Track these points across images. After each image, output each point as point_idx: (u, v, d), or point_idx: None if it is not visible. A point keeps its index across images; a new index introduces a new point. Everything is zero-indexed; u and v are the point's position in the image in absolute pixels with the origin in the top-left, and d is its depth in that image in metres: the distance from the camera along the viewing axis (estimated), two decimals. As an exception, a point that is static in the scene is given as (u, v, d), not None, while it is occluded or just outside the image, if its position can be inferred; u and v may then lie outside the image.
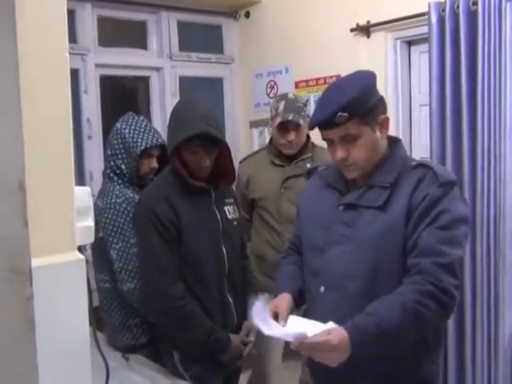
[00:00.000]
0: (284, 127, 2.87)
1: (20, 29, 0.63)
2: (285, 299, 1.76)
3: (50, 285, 0.96)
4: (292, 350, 1.57)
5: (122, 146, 2.38)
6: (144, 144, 2.38)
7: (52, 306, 0.98)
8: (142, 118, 2.49)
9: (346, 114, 1.60)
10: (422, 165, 1.68)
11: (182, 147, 2.13)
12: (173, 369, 2.20)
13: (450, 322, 3.00)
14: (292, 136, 2.87)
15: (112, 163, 2.41)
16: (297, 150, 2.93)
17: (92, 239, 1.17)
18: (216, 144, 2.16)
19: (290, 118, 2.82)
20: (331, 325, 1.56)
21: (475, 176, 2.88)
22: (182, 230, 2.14)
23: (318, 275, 1.75)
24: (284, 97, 2.99)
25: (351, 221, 1.71)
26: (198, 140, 2.10)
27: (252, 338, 2.25)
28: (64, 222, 1.06)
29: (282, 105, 2.91)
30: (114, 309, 2.41)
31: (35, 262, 0.76)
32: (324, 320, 1.62)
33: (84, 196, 1.14)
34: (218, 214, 2.25)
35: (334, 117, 1.60)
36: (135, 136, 2.38)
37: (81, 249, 1.16)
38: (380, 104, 1.70)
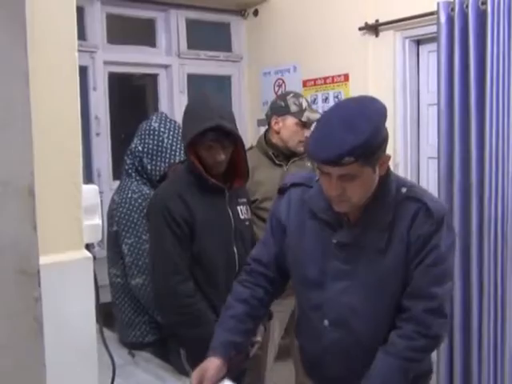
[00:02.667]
0: (307, 124, 2.82)
1: (29, 29, 0.64)
2: (213, 364, 1.69)
3: (57, 282, 0.97)
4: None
5: (156, 147, 2.37)
6: (183, 155, 2.38)
7: (59, 304, 0.99)
8: (178, 123, 2.48)
9: (352, 158, 1.46)
10: (413, 198, 1.64)
11: (197, 143, 2.13)
12: (179, 367, 2.21)
13: (457, 323, 2.99)
14: (308, 132, 2.80)
15: (138, 159, 2.40)
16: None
17: (100, 237, 1.17)
18: (230, 139, 2.16)
19: (320, 114, 2.79)
20: None
21: (483, 176, 2.87)
22: (194, 228, 2.14)
23: (320, 309, 1.72)
24: (299, 94, 2.95)
25: (349, 258, 1.66)
26: (212, 134, 2.09)
27: (259, 339, 2.25)
28: (71, 220, 1.06)
29: (304, 101, 2.86)
30: (125, 304, 2.42)
31: (42, 260, 0.77)
32: (329, 351, 1.70)
33: (92, 194, 1.14)
34: (230, 213, 2.25)
35: (341, 160, 1.47)
36: (174, 144, 2.38)
37: (88, 246, 1.17)
38: (385, 143, 1.60)
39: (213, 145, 2.12)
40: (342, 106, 1.67)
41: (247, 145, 4.31)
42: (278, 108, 2.93)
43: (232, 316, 1.79)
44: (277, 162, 2.90)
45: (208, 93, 2.46)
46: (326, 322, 1.71)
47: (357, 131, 1.47)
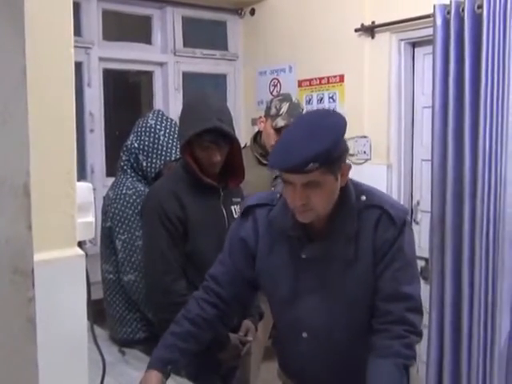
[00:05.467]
0: (280, 131, 2.82)
1: (25, 24, 0.63)
2: (154, 377, 1.72)
3: (49, 280, 0.97)
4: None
5: (152, 145, 2.37)
6: (179, 152, 2.38)
7: (51, 301, 0.98)
8: (174, 121, 2.49)
9: (317, 164, 1.50)
10: (374, 206, 1.68)
11: (193, 142, 2.12)
12: None
13: (447, 324, 3.00)
14: None
15: (134, 156, 2.40)
16: None
17: (92, 235, 1.17)
18: (227, 140, 2.16)
19: (289, 122, 2.80)
20: None
21: (476, 178, 2.88)
22: (188, 227, 2.14)
23: (297, 322, 1.74)
24: (288, 98, 2.95)
25: (318, 271, 1.69)
26: (209, 135, 2.09)
27: (250, 338, 2.25)
28: (65, 217, 1.06)
29: (285, 106, 2.87)
30: (116, 301, 2.42)
31: (35, 257, 0.77)
32: (310, 360, 1.74)
33: (85, 192, 1.14)
34: (225, 212, 2.25)
35: (306, 166, 1.50)
36: (170, 142, 2.38)
37: (80, 243, 1.17)
38: (346, 152, 1.64)
39: (209, 146, 2.12)
40: (304, 118, 1.76)
41: (242, 144, 4.31)
42: (266, 108, 2.99)
43: (173, 333, 1.80)
44: (264, 162, 2.91)
45: (207, 92, 2.46)
46: (304, 334, 1.74)
47: (320, 140, 1.52)
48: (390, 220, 1.65)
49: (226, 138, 2.14)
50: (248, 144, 3.09)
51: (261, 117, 3.02)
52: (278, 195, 1.77)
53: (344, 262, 1.66)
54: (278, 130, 2.85)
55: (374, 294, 1.65)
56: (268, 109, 2.95)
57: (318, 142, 1.52)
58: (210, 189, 2.20)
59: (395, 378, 1.57)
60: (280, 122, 2.85)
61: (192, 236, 2.15)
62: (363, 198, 1.69)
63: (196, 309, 1.82)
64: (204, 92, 2.43)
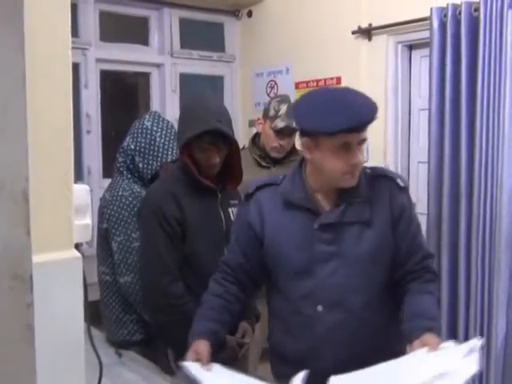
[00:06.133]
0: (279, 132, 2.84)
1: (25, 31, 0.63)
2: (204, 345, 1.71)
3: (46, 282, 0.96)
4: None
5: (148, 146, 2.37)
6: (175, 154, 2.38)
7: (47, 303, 0.98)
8: (170, 122, 2.49)
9: (376, 118, 1.62)
10: (381, 175, 1.81)
11: (192, 144, 2.12)
12: (167, 367, 2.20)
13: (444, 324, 3.00)
14: (286, 141, 2.86)
15: (130, 158, 2.40)
16: (283, 155, 2.92)
17: (89, 237, 1.17)
18: (226, 142, 2.15)
19: (293, 123, 2.79)
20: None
21: (472, 180, 2.89)
22: (186, 228, 2.13)
23: (311, 296, 1.74)
24: (286, 100, 2.94)
25: (333, 238, 1.71)
26: (208, 137, 2.08)
27: (247, 340, 2.25)
28: (62, 219, 1.06)
29: (284, 108, 2.86)
30: (113, 302, 2.41)
31: (32, 260, 0.76)
32: (325, 337, 1.71)
33: (82, 194, 1.14)
34: (222, 215, 2.24)
35: (373, 120, 1.60)
36: (166, 143, 2.38)
37: (77, 245, 1.16)
38: None
39: (208, 147, 2.11)
40: (323, 88, 1.87)
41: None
42: (264, 110, 2.99)
43: (210, 308, 1.83)
44: (263, 164, 2.91)
45: (206, 93, 2.45)
46: (319, 308, 1.73)
47: (368, 97, 1.66)
48: (399, 187, 1.77)
49: (225, 139, 2.14)
50: (246, 146, 3.08)
51: (259, 118, 3.02)
52: (282, 176, 1.84)
53: (360, 225, 1.72)
54: (277, 132, 2.85)
55: (394, 254, 1.74)
56: (266, 110, 2.95)
57: (370, 99, 1.64)
58: (207, 191, 2.19)
59: (433, 301, 1.73)
60: (279, 124, 2.84)
61: (190, 238, 2.14)
62: (368, 170, 1.79)
63: (220, 288, 1.86)
64: (203, 94, 2.42)
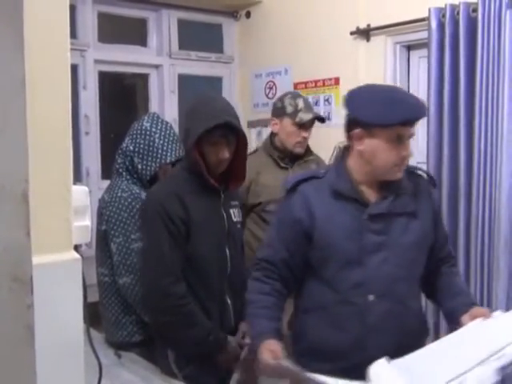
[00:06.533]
0: (301, 125, 2.81)
1: (24, 32, 0.63)
2: (275, 343, 1.71)
3: (45, 283, 0.96)
4: None
5: (147, 148, 2.37)
6: (174, 155, 2.38)
7: (47, 305, 0.98)
8: (169, 124, 2.49)
9: None
10: (417, 171, 1.94)
11: (203, 140, 2.12)
12: (166, 368, 2.20)
13: (443, 324, 3.00)
14: (308, 133, 2.84)
15: (129, 159, 2.40)
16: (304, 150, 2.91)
17: (89, 239, 1.17)
18: (234, 137, 2.16)
19: (317, 113, 2.79)
20: None
21: (471, 180, 2.90)
22: (190, 227, 2.12)
23: (362, 286, 1.77)
24: (299, 95, 2.93)
25: (382, 229, 1.77)
26: (219, 130, 2.09)
27: (248, 341, 2.25)
28: (61, 221, 1.06)
29: (301, 101, 2.84)
30: (112, 304, 2.41)
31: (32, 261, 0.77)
32: (374, 327, 1.75)
33: (81, 195, 1.14)
34: (224, 215, 2.24)
35: (425, 114, 1.80)
36: (165, 144, 2.38)
37: (76, 247, 1.16)
38: None
39: (219, 141, 2.11)
40: (373, 84, 1.93)
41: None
42: (276, 109, 2.94)
43: (264, 307, 1.82)
44: (282, 164, 2.88)
45: (213, 94, 2.46)
46: (370, 297, 1.76)
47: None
48: (432, 183, 1.96)
49: (233, 135, 2.14)
50: (259, 148, 3.05)
51: (273, 119, 2.96)
52: (322, 171, 1.89)
53: (407, 216, 1.80)
54: (301, 125, 2.81)
55: (432, 244, 1.88)
56: (282, 108, 2.89)
57: (417, 97, 1.81)
58: (211, 190, 2.19)
59: (463, 281, 1.96)
60: (305, 116, 2.81)
61: (193, 237, 2.13)
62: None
63: (265, 285, 1.86)
64: (209, 94, 2.44)
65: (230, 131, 2.12)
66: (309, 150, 2.97)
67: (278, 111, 2.91)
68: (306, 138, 2.86)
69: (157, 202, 2.12)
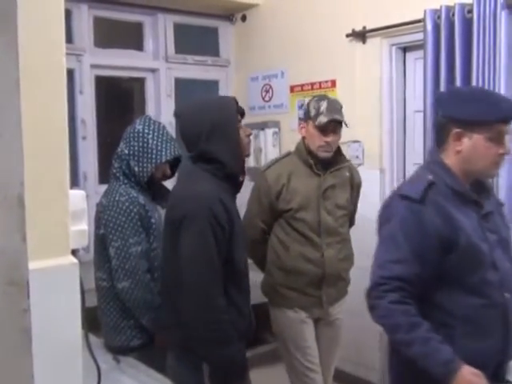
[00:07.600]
0: (324, 128, 2.74)
1: (20, 37, 0.63)
2: (469, 368, 1.63)
3: (43, 288, 0.96)
4: None
5: (142, 149, 2.39)
6: (169, 154, 2.40)
7: (45, 310, 0.98)
8: (162, 124, 2.51)
9: None
10: None
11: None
12: (194, 380, 2.07)
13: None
14: (331, 138, 2.75)
15: (125, 163, 2.41)
16: (332, 154, 2.81)
17: (86, 243, 1.16)
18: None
19: (336, 117, 2.71)
20: None
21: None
22: (233, 232, 2.00)
23: (501, 285, 1.78)
24: (324, 97, 2.87)
25: (493, 226, 1.82)
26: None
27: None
28: (58, 225, 1.06)
29: (324, 104, 2.77)
30: (110, 308, 2.41)
31: (28, 266, 0.76)
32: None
33: (79, 199, 1.14)
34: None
35: None
36: (159, 144, 2.40)
37: (73, 251, 1.16)
38: None
39: (241, 126, 2.20)
40: (463, 86, 2.08)
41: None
42: (304, 113, 2.91)
43: (429, 330, 1.70)
44: (315, 170, 2.79)
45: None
46: (507, 295, 1.78)
47: None
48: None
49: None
50: (292, 152, 2.95)
51: (301, 122, 2.93)
52: (429, 175, 1.81)
53: (497, 210, 1.89)
54: (321, 128, 2.74)
55: None
56: (307, 112, 2.84)
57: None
58: (235, 191, 2.14)
59: None
60: (323, 119, 2.73)
61: (232, 242, 2.00)
62: None
63: (411, 307, 1.73)
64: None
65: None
66: (341, 156, 2.88)
67: (305, 115, 2.89)
68: (328, 143, 2.76)
69: (206, 207, 1.95)
